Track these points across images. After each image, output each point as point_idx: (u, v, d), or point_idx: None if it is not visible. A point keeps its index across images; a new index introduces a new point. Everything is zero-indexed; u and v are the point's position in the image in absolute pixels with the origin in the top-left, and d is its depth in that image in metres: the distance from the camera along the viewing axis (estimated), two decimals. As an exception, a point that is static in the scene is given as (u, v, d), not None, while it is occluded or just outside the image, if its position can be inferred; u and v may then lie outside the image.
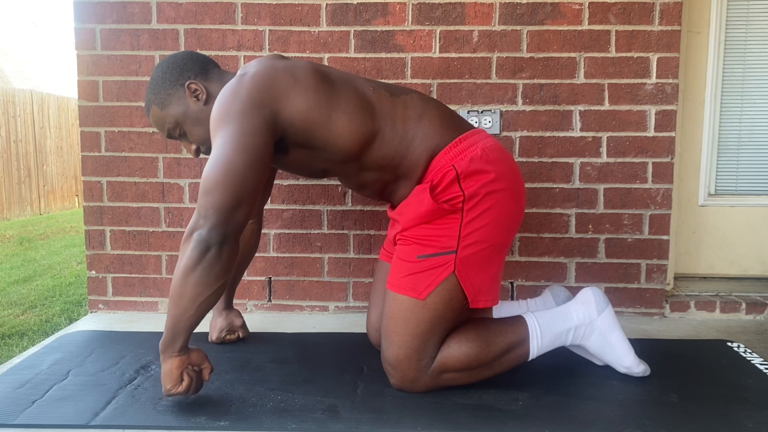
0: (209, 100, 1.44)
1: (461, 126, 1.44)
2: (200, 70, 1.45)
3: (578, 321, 1.42)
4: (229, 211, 1.25)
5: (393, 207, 1.53)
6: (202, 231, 1.24)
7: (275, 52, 1.44)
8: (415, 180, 1.42)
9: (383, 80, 1.98)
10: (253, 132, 1.27)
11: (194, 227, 1.25)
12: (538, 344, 1.39)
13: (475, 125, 1.97)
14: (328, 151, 1.38)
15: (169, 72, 1.44)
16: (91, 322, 1.97)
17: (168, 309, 1.27)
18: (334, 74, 1.42)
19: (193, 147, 1.50)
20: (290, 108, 1.32)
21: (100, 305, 2.09)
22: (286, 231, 2.05)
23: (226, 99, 1.30)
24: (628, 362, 1.44)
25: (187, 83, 1.43)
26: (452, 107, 1.98)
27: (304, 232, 2.05)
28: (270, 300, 2.08)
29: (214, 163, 1.26)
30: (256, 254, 2.05)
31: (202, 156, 2.00)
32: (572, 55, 1.95)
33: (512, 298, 2.04)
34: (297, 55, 1.98)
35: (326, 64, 1.98)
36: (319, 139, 1.36)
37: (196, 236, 1.24)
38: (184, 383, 1.27)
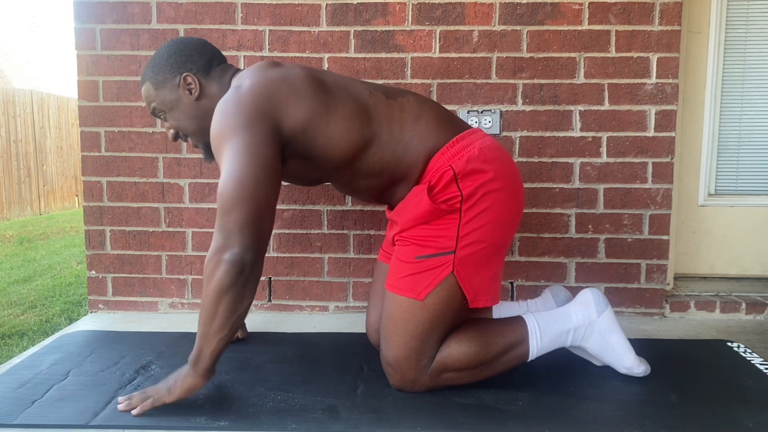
0: (201, 96, 1.43)
1: (458, 126, 1.43)
2: (204, 65, 1.44)
3: (578, 322, 1.42)
4: (256, 227, 1.24)
5: (391, 208, 1.53)
6: (234, 250, 1.22)
7: (267, 60, 1.43)
8: (412, 182, 1.42)
9: (383, 80, 1.98)
10: (262, 143, 1.26)
11: (223, 247, 1.22)
12: (537, 345, 1.39)
13: (475, 125, 1.97)
14: (324, 159, 1.37)
15: (173, 57, 1.43)
16: (91, 322, 1.97)
17: (198, 329, 1.26)
18: (330, 79, 1.41)
19: (171, 131, 1.50)
20: (291, 117, 1.31)
21: (100, 305, 2.09)
22: (286, 231, 2.05)
23: (226, 113, 1.28)
24: (628, 363, 1.44)
25: (184, 75, 1.42)
26: (452, 107, 1.98)
27: (304, 232, 2.05)
28: (270, 300, 2.08)
29: (227, 179, 1.24)
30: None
31: (196, 152, 2.00)
32: (572, 55, 1.95)
33: (512, 298, 2.04)
34: (297, 55, 1.98)
35: (326, 64, 1.98)
36: (319, 148, 1.35)
37: (229, 257, 1.22)
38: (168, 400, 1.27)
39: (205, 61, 1.45)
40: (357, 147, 1.37)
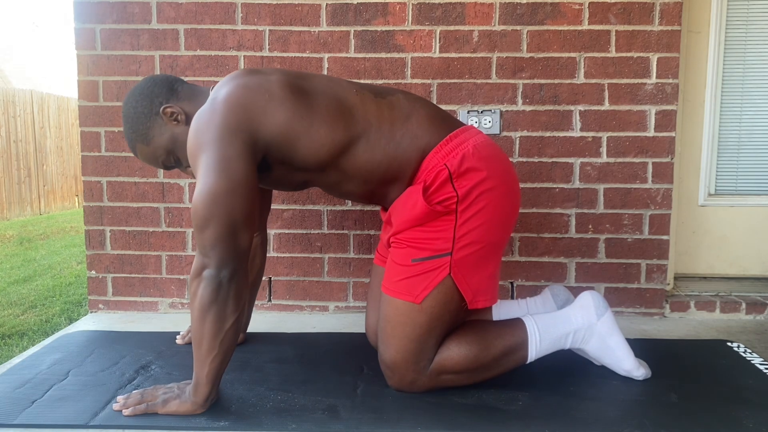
0: (188, 119, 1.38)
1: (451, 124, 1.41)
2: (169, 92, 1.39)
3: (577, 325, 1.42)
4: (230, 242, 1.22)
5: (385, 208, 1.51)
6: (211, 269, 1.22)
7: (245, 68, 1.41)
8: (406, 182, 1.39)
9: (383, 80, 1.98)
10: (233, 157, 1.23)
11: (201, 266, 1.23)
12: (536, 348, 1.39)
13: (475, 125, 1.97)
14: (310, 161, 1.34)
15: (140, 105, 1.37)
16: (91, 322, 1.97)
17: (193, 356, 1.26)
18: (312, 81, 1.38)
19: (190, 169, 1.44)
20: (269, 124, 1.28)
21: (100, 305, 2.09)
22: (286, 231, 2.05)
23: (200, 127, 1.25)
24: (627, 366, 1.43)
25: (161, 109, 1.37)
26: (452, 107, 1.98)
27: (304, 232, 2.05)
28: (270, 300, 2.08)
29: (199, 196, 1.22)
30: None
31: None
32: (572, 55, 1.95)
33: (512, 298, 2.04)
34: (297, 55, 1.98)
35: (326, 64, 1.98)
36: (303, 151, 1.32)
37: (206, 274, 1.22)
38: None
39: (167, 88, 1.39)
40: (343, 146, 1.34)
